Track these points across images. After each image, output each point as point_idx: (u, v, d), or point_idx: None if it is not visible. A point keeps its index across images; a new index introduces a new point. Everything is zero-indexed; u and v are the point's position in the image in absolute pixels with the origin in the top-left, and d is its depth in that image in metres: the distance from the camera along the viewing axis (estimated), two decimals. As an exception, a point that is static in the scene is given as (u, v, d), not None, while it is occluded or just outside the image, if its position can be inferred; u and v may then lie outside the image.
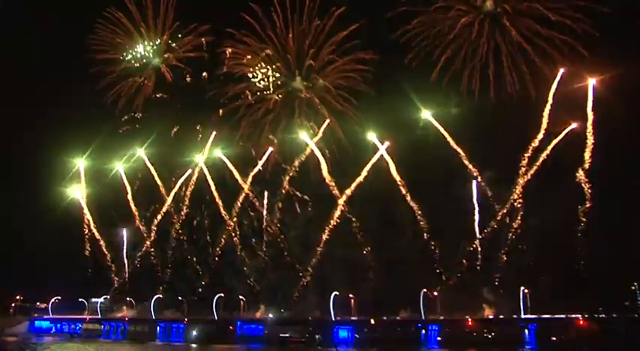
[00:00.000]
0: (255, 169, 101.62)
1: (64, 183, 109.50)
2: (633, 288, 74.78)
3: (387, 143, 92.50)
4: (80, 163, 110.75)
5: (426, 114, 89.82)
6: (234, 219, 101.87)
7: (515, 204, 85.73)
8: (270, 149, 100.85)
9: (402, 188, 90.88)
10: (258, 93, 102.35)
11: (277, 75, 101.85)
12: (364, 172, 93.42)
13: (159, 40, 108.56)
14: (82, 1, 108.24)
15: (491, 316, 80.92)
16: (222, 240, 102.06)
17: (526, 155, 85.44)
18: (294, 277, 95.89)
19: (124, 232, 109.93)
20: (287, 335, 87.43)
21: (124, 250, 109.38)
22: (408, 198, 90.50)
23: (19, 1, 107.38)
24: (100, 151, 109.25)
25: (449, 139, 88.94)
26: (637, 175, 74.48)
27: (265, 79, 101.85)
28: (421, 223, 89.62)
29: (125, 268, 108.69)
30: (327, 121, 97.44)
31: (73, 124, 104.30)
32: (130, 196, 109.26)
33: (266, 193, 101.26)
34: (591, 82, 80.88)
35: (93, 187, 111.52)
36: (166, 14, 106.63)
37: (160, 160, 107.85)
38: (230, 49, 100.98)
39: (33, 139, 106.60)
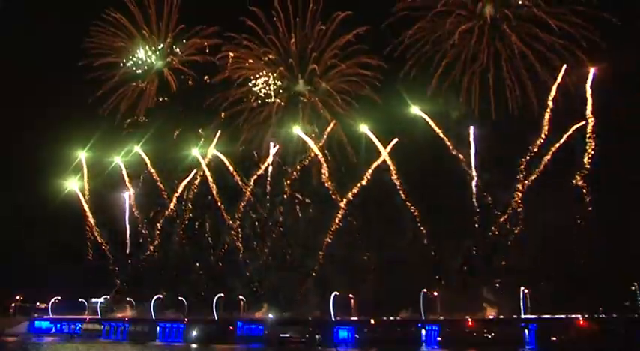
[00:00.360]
0: (260, 171, 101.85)
1: (64, 176, 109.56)
2: (633, 288, 74.83)
3: (389, 146, 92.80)
4: (82, 155, 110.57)
5: (415, 109, 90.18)
6: (237, 222, 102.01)
7: (515, 206, 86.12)
8: (277, 147, 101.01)
9: (403, 190, 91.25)
10: (260, 101, 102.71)
11: (279, 83, 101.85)
12: (367, 176, 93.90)
13: (162, 45, 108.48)
14: (84, 1, 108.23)
15: (491, 316, 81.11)
16: (225, 242, 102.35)
17: (526, 158, 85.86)
18: (296, 278, 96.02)
19: (127, 198, 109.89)
20: (287, 335, 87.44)
21: (127, 216, 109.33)
22: (409, 203, 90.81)
23: (19, 1, 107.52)
24: (101, 151, 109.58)
25: (447, 142, 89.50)
26: (635, 176, 74.95)
27: (267, 87, 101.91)
28: (421, 228, 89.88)
29: (128, 263, 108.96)
30: (332, 124, 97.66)
31: (73, 125, 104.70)
32: (132, 199, 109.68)
33: (268, 192, 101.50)
34: (591, 70, 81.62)
35: (95, 190, 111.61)
36: (169, 17, 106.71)
37: (163, 163, 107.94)
38: (232, 54, 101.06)
39: (33, 138, 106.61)
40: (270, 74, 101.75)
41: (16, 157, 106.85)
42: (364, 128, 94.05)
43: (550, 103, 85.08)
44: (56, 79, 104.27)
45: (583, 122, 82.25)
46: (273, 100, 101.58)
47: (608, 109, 79.67)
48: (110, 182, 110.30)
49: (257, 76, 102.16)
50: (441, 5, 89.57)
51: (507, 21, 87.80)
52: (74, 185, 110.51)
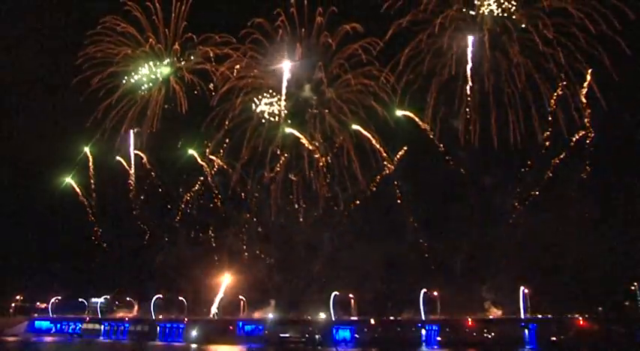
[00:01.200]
0: (266, 178, 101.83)
1: (66, 174, 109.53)
2: (633, 288, 74.93)
3: (396, 157, 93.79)
4: (86, 149, 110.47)
5: (399, 112, 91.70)
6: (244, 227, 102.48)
7: (516, 209, 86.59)
8: (286, 156, 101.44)
9: (406, 194, 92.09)
10: (264, 120, 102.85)
11: (283, 104, 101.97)
12: (372, 186, 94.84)
13: (168, 59, 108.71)
14: (92, 9, 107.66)
15: (491, 316, 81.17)
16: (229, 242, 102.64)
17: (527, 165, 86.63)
18: (299, 280, 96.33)
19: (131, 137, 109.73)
20: (287, 335, 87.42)
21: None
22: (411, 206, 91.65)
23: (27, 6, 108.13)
24: (106, 154, 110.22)
25: (440, 147, 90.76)
26: (635, 178, 75.52)
27: (270, 108, 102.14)
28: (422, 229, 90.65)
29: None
30: (342, 137, 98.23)
31: (77, 130, 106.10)
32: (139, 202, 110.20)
33: (272, 197, 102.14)
34: (589, 71, 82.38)
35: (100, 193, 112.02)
36: (177, 25, 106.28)
37: (168, 167, 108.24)
38: (238, 66, 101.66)
39: (34, 140, 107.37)
40: (274, 94, 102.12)
41: (15, 157, 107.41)
42: (356, 127, 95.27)
43: (549, 111, 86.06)
44: (60, 84, 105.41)
45: (583, 133, 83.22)
46: (277, 119, 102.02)
47: (606, 116, 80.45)
48: (115, 186, 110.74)
49: (260, 97, 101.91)
50: (442, 18, 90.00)
51: (508, 33, 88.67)
52: (78, 187, 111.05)
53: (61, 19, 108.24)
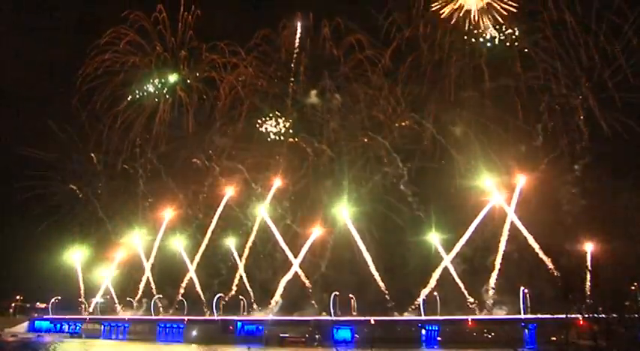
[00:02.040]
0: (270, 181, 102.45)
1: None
2: (633, 288, 74.72)
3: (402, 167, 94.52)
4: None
5: (402, 122, 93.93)
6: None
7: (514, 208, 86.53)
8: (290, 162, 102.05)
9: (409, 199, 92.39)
10: (269, 139, 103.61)
11: (287, 124, 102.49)
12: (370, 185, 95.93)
13: (174, 68, 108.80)
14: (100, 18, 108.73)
15: (491, 317, 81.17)
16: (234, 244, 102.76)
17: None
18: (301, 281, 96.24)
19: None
20: (287, 335, 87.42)
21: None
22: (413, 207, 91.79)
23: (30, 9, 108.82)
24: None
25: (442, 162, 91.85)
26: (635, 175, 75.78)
27: (276, 126, 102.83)
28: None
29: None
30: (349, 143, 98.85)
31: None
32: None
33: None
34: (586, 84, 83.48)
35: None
36: (184, 34, 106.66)
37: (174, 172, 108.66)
38: (243, 76, 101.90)
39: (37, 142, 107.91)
40: (279, 115, 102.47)
41: (18, 157, 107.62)
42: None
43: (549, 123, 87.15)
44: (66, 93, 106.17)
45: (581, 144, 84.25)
46: (281, 138, 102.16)
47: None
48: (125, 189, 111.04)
49: (264, 119, 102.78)
50: (440, 35, 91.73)
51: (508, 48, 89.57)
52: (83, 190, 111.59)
53: (66, 28, 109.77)
